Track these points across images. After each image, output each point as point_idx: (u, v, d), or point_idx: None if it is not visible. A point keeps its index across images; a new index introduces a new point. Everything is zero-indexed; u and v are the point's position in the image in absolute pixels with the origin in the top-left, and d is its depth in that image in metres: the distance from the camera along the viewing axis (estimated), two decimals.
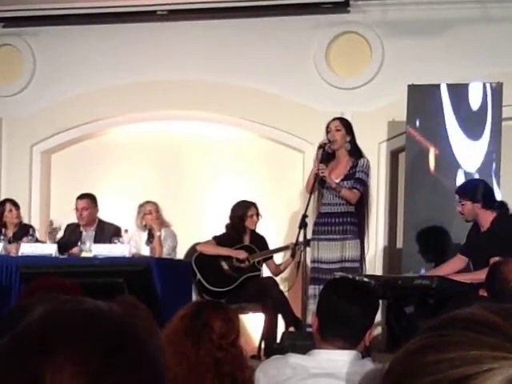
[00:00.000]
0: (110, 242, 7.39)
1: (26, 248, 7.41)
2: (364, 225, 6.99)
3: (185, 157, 9.11)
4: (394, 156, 8.60)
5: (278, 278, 7.86)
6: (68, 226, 8.11)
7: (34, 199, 9.35)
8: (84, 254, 7.47)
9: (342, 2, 8.53)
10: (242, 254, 7.73)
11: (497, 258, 5.48)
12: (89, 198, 8.00)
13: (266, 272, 7.93)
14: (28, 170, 9.39)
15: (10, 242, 7.77)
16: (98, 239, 7.78)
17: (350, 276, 5.88)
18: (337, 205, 6.91)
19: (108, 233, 7.82)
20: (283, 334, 6.95)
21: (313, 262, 6.97)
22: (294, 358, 2.84)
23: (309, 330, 5.95)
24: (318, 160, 6.90)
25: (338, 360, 2.79)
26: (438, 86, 7.79)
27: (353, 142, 7.02)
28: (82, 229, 8.01)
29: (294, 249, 7.26)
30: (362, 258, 6.93)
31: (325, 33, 8.68)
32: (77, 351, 1.01)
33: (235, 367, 2.84)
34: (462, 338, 0.80)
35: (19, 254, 7.37)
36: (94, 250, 7.29)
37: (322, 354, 2.84)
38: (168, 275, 6.92)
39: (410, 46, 8.42)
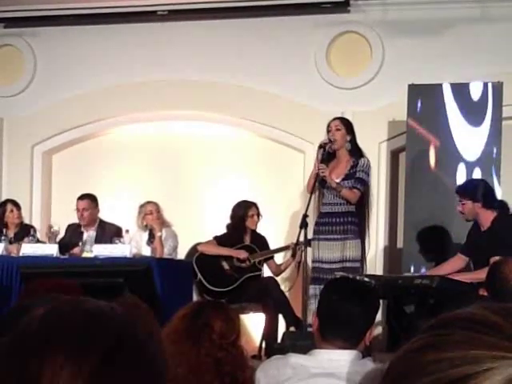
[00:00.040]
0: (111, 242, 7.39)
1: (27, 248, 7.41)
2: (365, 224, 6.99)
3: (185, 157, 9.11)
4: (394, 156, 8.60)
5: (278, 278, 7.85)
6: (69, 226, 8.12)
7: (35, 199, 9.36)
8: (85, 255, 7.47)
9: (342, 1, 8.53)
10: (243, 254, 7.73)
11: (497, 258, 5.48)
12: (89, 199, 8.00)
13: (266, 272, 7.93)
14: (29, 171, 9.39)
15: (11, 243, 7.78)
16: (98, 239, 7.78)
17: (351, 276, 5.88)
18: (337, 204, 6.91)
19: (109, 233, 7.82)
20: (284, 333, 6.95)
21: (313, 261, 6.97)
22: (295, 358, 2.84)
23: (309, 329, 5.95)
24: (318, 160, 6.90)
25: (338, 360, 2.79)
26: (439, 85, 7.79)
27: (353, 141, 7.02)
28: (82, 229, 8.01)
29: (295, 249, 7.26)
30: (362, 258, 6.93)
31: (325, 33, 8.68)
32: (77, 351, 1.01)
33: (236, 367, 2.84)
34: (462, 337, 0.80)
35: (20, 254, 7.37)
36: (94, 250, 7.29)
37: (323, 353, 2.84)
38: (169, 275, 6.92)
39: (410, 46, 8.42)
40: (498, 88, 7.58)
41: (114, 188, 9.09)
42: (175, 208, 8.38)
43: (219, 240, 7.82)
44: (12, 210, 8.24)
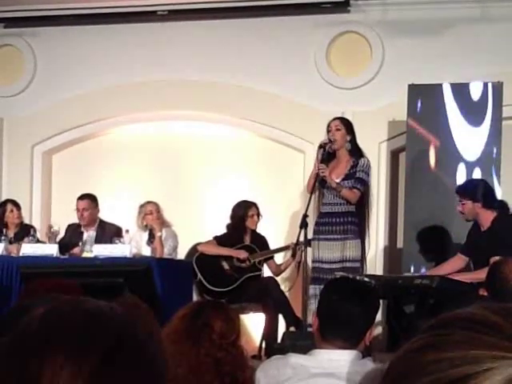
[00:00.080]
0: (111, 242, 7.39)
1: (27, 248, 7.41)
2: (365, 224, 6.99)
3: (185, 157, 9.11)
4: (394, 156, 8.60)
5: (278, 278, 7.85)
6: (69, 226, 8.12)
7: (35, 199, 9.36)
8: (85, 255, 7.47)
9: (342, 1, 8.53)
10: (243, 254, 7.73)
11: (497, 258, 5.48)
12: (89, 199, 7.99)
13: (266, 272, 7.93)
14: (29, 171, 9.39)
15: (11, 243, 7.78)
16: (98, 239, 7.78)
17: (351, 276, 5.88)
18: (337, 204, 6.91)
19: (109, 233, 7.82)
20: (284, 333, 6.95)
21: (314, 261, 6.97)
22: (295, 358, 2.84)
23: (309, 329, 5.95)
24: (318, 160, 6.90)
25: (338, 360, 2.79)
26: (439, 85, 7.79)
27: (353, 141, 7.02)
28: (82, 229, 8.01)
29: (295, 249, 7.25)
30: (362, 258, 6.93)
31: (325, 33, 8.68)
32: (77, 351, 1.01)
33: (236, 367, 2.84)
34: (462, 337, 0.80)
35: (20, 254, 7.37)
36: (94, 250, 7.29)
37: (323, 353, 2.84)
38: (169, 275, 6.92)
39: (410, 46, 8.42)
40: (498, 88, 7.58)
41: (113, 188, 9.09)
42: (175, 208, 8.38)
43: (219, 240, 7.82)
44: (12, 210, 8.24)
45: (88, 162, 9.29)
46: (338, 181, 6.88)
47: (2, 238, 7.73)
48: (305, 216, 6.85)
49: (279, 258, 8.14)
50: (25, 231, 7.93)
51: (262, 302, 7.44)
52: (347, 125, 7.04)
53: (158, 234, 7.85)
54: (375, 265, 8.12)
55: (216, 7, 8.81)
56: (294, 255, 7.42)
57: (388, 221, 8.53)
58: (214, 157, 9.07)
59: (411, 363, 0.81)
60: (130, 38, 9.13)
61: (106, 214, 8.20)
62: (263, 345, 7.42)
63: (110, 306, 1.09)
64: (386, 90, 8.39)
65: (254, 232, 7.90)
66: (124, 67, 9.13)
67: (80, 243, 7.77)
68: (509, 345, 0.78)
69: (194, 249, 8.02)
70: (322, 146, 6.93)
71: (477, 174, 7.58)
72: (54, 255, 7.33)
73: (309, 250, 6.94)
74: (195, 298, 7.47)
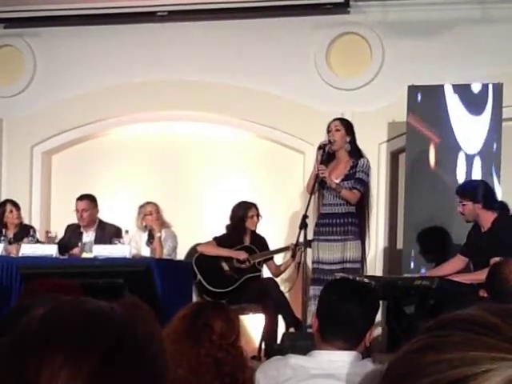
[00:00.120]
0: (111, 242, 7.39)
1: (27, 249, 7.41)
2: (365, 225, 6.99)
3: (185, 157, 9.11)
4: (394, 157, 8.60)
5: (278, 279, 7.85)
6: (68, 226, 8.11)
7: (35, 200, 9.35)
8: (84, 255, 7.47)
9: (342, 2, 8.53)
10: (243, 255, 7.73)
11: (497, 259, 5.48)
12: (88, 199, 7.99)
13: (266, 273, 7.93)
14: (28, 171, 9.39)
15: (10, 243, 7.77)
16: (98, 240, 7.78)
17: (351, 277, 5.89)
18: (337, 205, 6.91)
19: (108, 233, 7.82)
20: (283, 334, 6.95)
21: (314, 262, 6.97)
22: (295, 359, 2.84)
23: (309, 330, 5.95)
24: (318, 161, 6.90)
25: (338, 361, 2.79)
26: (439, 86, 7.79)
27: (353, 142, 7.02)
28: (82, 230, 8.01)
29: (295, 249, 7.25)
30: (362, 259, 6.92)
31: (325, 33, 8.68)
32: (77, 351, 1.01)
33: (235, 368, 2.84)
34: (462, 338, 0.80)
35: (20, 254, 7.37)
36: (94, 250, 7.29)
37: (323, 354, 2.83)
38: (168, 276, 6.92)
39: (410, 47, 8.42)
40: (498, 89, 7.58)
41: (113, 188, 9.09)
42: (175, 208, 8.38)
43: (219, 241, 7.82)
44: (11, 211, 8.24)
45: (88, 162, 9.29)
46: (337, 181, 6.88)
47: (2, 238, 7.73)
48: (304, 217, 6.84)
49: (279, 259, 8.14)
50: (24, 232, 7.93)
51: (261, 303, 7.44)
52: (347, 126, 7.04)
53: (158, 234, 7.85)
54: (375, 266, 8.12)
55: (216, 8, 8.81)
56: (293, 256, 7.41)
57: (388, 222, 8.53)
58: (213, 157, 9.07)
59: (410, 364, 0.81)
60: (130, 38, 9.13)
61: (105, 214, 8.20)
62: (263, 345, 7.42)
63: (110, 306, 1.09)
64: (385, 91, 8.39)
65: (253, 233, 7.90)
66: (124, 67, 9.13)
67: (79, 244, 7.77)
68: (508, 346, 0.78)
69: (193, 249, 8.02)
70: (321, 147, 6.93)
71: (477, 167, 7.57)
72: (54, 256, 7.33)
73: (309, 250, 6.94)
74: (195, 298, 7.47)
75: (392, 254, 8.47)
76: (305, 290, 6.82)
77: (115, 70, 9.13)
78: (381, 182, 8.47)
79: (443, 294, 5.89)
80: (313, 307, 6.42)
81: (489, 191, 6.66)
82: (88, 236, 7.95)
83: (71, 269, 6.71)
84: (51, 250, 7.39)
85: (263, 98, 8.77)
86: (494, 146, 7.57)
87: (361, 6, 8.61)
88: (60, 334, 1.03)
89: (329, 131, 6.98)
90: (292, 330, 7.33)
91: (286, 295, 7.56)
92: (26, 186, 9.35)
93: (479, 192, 6.52)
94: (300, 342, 5.87)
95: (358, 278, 6.09)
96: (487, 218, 6.48)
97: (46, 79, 9.36)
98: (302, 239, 6.86)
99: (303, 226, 6.83)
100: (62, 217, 8.47)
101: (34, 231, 7.96)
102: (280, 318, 7.46)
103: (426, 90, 7.83)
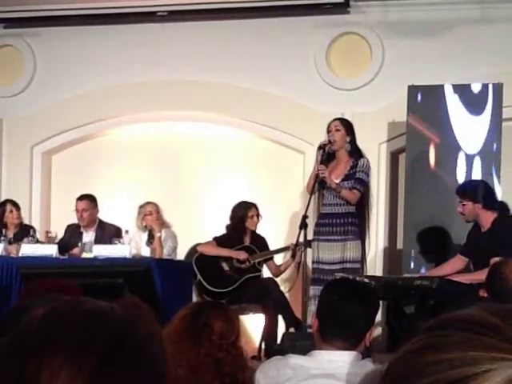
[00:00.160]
0: (111, 242, 7.39)
1: (27, 249, 7.40)
2: (365, 225, 6.99)
3: (185, 157, 9.11)
4: (394, 157, 8.60)
5: (278, 279, 7.85)
6: (68, 226, 8.11)
7: (35, 200, 9.35)
8: (84, 255, 7.47)
9: (342, 2, 8.53)
10: (243, 255, 7.73)
11: (497, 259, 5.48)
12: (88, 199, 7.99)
13: (266, 273, 7.93)
14: (28, 171, 9.39)
15: (10, 243, 7.77)
16: (98, 240, 7.78)
17: (351, 277, 5.89)
18: (337, 205, 6.91)
19: (108, 233, 7.82)
20: (283, 334, 6.95)
21: (314, 262, 6.97)
22: (295, 359, 2.84)
23: (309, 330, 5.95)
24: (318, 161, 6.90)
25: (338, 361, 2.79)
26: (439, 86, 7.79)
27: (353, 142, 7.02)
28: (82, 230, 8.01)
29: (295, 249, 7.25)
30: (362, 259, 6.92)
31: (325, 33, 8.68)
32: (77, 351, 1.01)
33: (235, 368, 2.84)
34: (462, 338, 0.80)
35: (20, 254, 7.37)
36: (94, 250, 7.29)
37: (323, 354, 2.83)
38: (168, 276, 6.92)
39: (410, 47, 8.42)
40: (498, 89, 7.58)
41: (113, 188, 9.08)
42: (175, 208, 8.38)
43: (219, 241, 7.82)
44: (11, 211, 8.24)
45: (88, 162, 9.29)
46: (337, 181, 6.88)
47: (2, 238, 7.73)
48: (304, 217, 6.84)
49: (279, 259, 8.14)
50: (24, 231, 7.93)
51: (261, 303, 7.44)
52: (347, 126, 7.04)
53: (158, 234, 7.85)
54: (375, 266, 8.12)
55: (216, 8, 8.81)
56: (293, 256, 7.41)
57: (388, 222, 8.53)
58: (214, 157, 9.07)
59: (410, 364, 0.81)
60: (130, 38, 9.13)
61: (105, 214, 8.20)
62: (263, 345, 7.42)
63: (110, 306, 1.09)
64: (385, 91, 8.39)
65: (253, 233, 7.90)
66: (124, 67, 9.13)
67: (79, 244, 7.77)
68: (508, 346, 0.78)
69: (193, 249, 8.02)
70: (321, 147, 6.93)
71: (477, 167, 7.57)
72: (54, 256, 7.33)
73: (309, 250, 6.94)
74: (195, 298, 7.47)
75: (392, 254, 8.47)
76: (305, 289, 6.82)
77: (115, 70, 9.13)
78: (381, 182, 8.47)
79: (443, 294, 5.89)
80: (313, 307, 6.42)
81: (489, 191, 6.66)
82: (88, 236, 7.95)
83: (71, 269, 6.70)
84: (51, 250, 7.39)
85: (263, 98, 8.77)
86: (494, 146, 7.57)
87: (361, 6, 8.61)
88: (60, 333, 1.03)
89: (329, 131, 6.98)
90: (292, 330, 7.33)
91: (286, 295, 7.56)
92: (26, 185, 9.35)
93: (479, 192, 6.52)
94: (300, 342, 5.87)
95: (358, 278, 6.09)
96: (487, 218, 6.48)
97: (46, 79, 9.36)
98: (301, 239, 6.86)
99: (303, 225, 6.83)
100: (62, 217, 8.47)
101: (34, 231, 7.96)
102: (280, 317, 7.46)
103: (425, 89, 7.83)
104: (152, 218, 7.92)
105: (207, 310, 2.93)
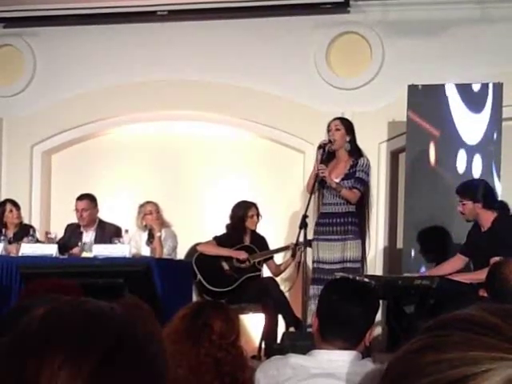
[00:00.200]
0: (111, 242, 7.39)
1: (27, 248, 7.40)
2: (365, 225, 6.99)
3: (185, 157, 9.11)
4: (394, 156, 8.60)
5: (278, 279, 7.85)
6: (68, 226, 8.11)
7: (35, 199, 9.35)
8: (84, 255, 7.47)
9: (342, 2, 8.53)
10: (243, 255, 7.73)
11: (497, 258, 5.48)
12: (88, 199, 7.99)
13: (266, 272, 7.93)
14: (28, 171, 9.39)
15: (10, 243, 7.77)
16: (98, 239, 7.78)
17: (351, 276, 5.89)
18: (338, 205, 6.91)
19: (108, 233, 7.82)
20: (283, 334, 6.95)
21: (314, 262, 6.97)
22: (295, 359, 2.84)
23: (309, 330, 5.95)
24: (317, 160, 6.90)
25: (338, 360, 2.79)
26: (439, 86, 7.79)
27: (353, 141, 7.01)
28: (82, 229, 8.01)
29: (295, 249, 7.25)
30: (363, 259, 6.92)
31: (325, 33, 8.68)
32: (76, 351, 1.01)
33: (235, 367, 2.84)
34: (461, 338, 0.80)
35: (19, 254, 7.37)
36: (94, 250, 7.29)
37: (323, 354, 2.84)
38: (168, 275, 6.92)
39: (410, 47, 8.42)
40: (498, 88, 7.58)
41: (113, 188, 9.09)
42: (175, 208, 8.38)
43: (219, 240, 7.82)
44: (11, 210, 8.23)
45: (87, 161, 9.29)
46: (337, 181, 6.88)
47: (2, 237, 7.72)
48: (304, 216, 6.84)
49: (279, 259, 8.14)
50: (24, 231, 7.93)
51: (261, 303, 7.44)
52: (347, 125, 7.03)
53: (158, 234, 7.85)
54: (375, 265, 8.12)
55: (216, 7, 8.81)
56: (293, 255, 7.42)
57: (388, 221, 8.53)
58: (214, 157, 9.07)
59: (410, 364, 0.81)
60: (130, 38, 9.13)
61: (105, 214, 8.20)
62: (263, 345, 7.42)
63: (110, 306, 1.09)
64: (385, 91, 8.39)
65: (253, 232, 7.90)
66: (124, 67, 9.13)
67: (79, 243, 7.77)
68: (508, 346, 0.78)
69: (193, 249, 8.02)
70: (321, 147, 6.93)
71: (477, 161, 7.56)
72: (54, 255, 7.33)
73: (309, 250, 6.94)
74: (195, 298, 7.47)
75: (392, 254, 8.47)
76: (305, 289, 6.82)
77: (115, 69, 9.13)
78: (381, 181, 8.47)
79: (443, 293, 5.89)
80: (313, 307, 6.42)
81: (489, 190, 6.66)
82: (88, 236, 7.94)
83: (71, 268, 6.70)
84: (51, 250, 7.39)
85: (263, 98, 8.77)
86: (494, 146, 7.57)
87: (361, 6, 8.61)
88: (60, 334, 1.03)
89: (329, 130, 6.98)
90: (292, 329, 7.33)
91: (286, 295, 7.56)
92: (26, 185, 9.35)
93: (479, 191, 6.52)
94: (300, 342, 5.87)
95: (358, 278, 6.09)
96: (487, 218, 6.48)
97: (46, 79, 9.36)
98: (301, 239, 6.86)
99: (303, 225, 6.83)
100: (62, 216, 8.47)
101: (34, 231, 7.96)
102: (280, 317, 7.46)
103: (426, 89, 7.83)
104: (152, 217, 7.92)
105: (207, 309, 2.93)
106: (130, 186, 9.06)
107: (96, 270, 6.78)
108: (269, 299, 7.40)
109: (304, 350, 2.95)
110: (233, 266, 7.74)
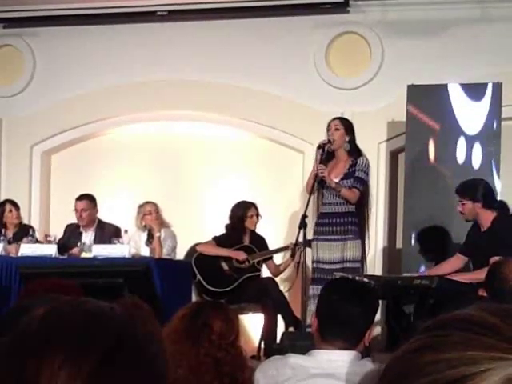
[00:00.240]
0: (110, 242, 7.39)
1: (26, 248, 7.40)
2: (365, 225, 6.99)
3: (185, 157, 9.11)
4: (393, 156, 8.60)
5: (277, 279, 7.85)
6: (68, 226, 8.11)
7: (34, 200, 9.35)
8: (84, 255, 7.47)
9: (341, 2, 8.53)
10: (242, 255, 7.72)
11: (497, 258, 5.48)
12: (88, 199, 7.99)
13: (265, 272, 7.93)
14: (28, 171, 9.39)
15: (9, 243, 7.77)
16: (97, 240, 7.78)
17: (350, 276, 5.89)
18: (337, 204, 6.91)
19: (108, 233, 7.82)
20: (283, 334, 6.95)
21: (314, 262, 6.96)
22: (294, 359, 2.84)
23: (308, 330, 5.95)
24: (317, 160, 6.90)
25: (337, 360, 2.79)
26: (438, 86, 7.79)
27: (352, 141, 7.01)
28: (81, 229, 8.01)
29: (294, 249, 7.26)
30: (362, 258, 6.92)
31: (325, 33, 8.68)
32: (76, 351, 1.01)
33: (235, 367, 2.84)
34: (460, 338, 0.80)
35: (19, 254, 7.37)
36: (93, 250, 7.29)
37: (322, 354, 2.84)
38: (168, 276, 6.92)
39: (409, 46, 8.42)
40: (498, 88, 7.58)
41: (113, 188, 9.08)
42: (175, 208, 8.38)
43: (218, 240, 7.82)
44: (11, 210, 8.23)
45: (87, 161, 9.29)
46: (337, 180, 6.88)
47: (1, 238, 7.73)
48: (304, 216, 6.84)
49: (278, 259, 8.14)
50: (24, 231, 7.93)
51: (261, 303, 7.44)
52: (347, 125, 7.03)
53: (157, 234, 7.85)
54: (374, 265, 8.12)
55: (216, 7, 8.81)
56: (293, 256, 7.42)
57: (387, 221, 8.53)
58: (213, 157, 9.07)
59: (409, 364, 0.81)
60: (130, 38, 9.13)
61: (105, 214, 8.20)
62: (262, 345, 7.42)
63: (110, 306, 1.09)
64: (385, 91, 8.39)
65: (253, 232, 7.90)
66: (124, 67, 9.13)
67: (79, 243, 7.77)
68: (507, 346, 0.78)
69: (193, 249, 8.02)
70: (320, 147, 6.93)
71: (477, 149, 7.56)
72: (53, 255, 7.33)
73: (308, 250, 6.94)
74: (194, 298, 7.47)
75: (391, 254, 8.47)
76: (304, 289, 6.82)
77: (115, 69, 9.13)
78: (380, 181, 8.47)
79: (443, 293, 5.89)
80: (312, 307, 6.42)
81: (488, 190, 6.66)
82: (87, 236, 7.94)
83: (71, 269, 6.70)
84: (50, 250, 7.38)
85: (263, 98, 8.77)
86: (494, 147, 7.57)
87: (360, 6, 8.61)
88: (60, 334, 1.03)
89: (328, 130, 6.98)
90: (291, 329, 7.33)
91: (286, 295, 7.57)
92: (26, 185, 9.35)
93: (479, 191, 6.52)
94: (299, 342, 5.87)
95: (357, 278, 6.09)
96: (487, 218, 6.48)
97: (46, 79, 9.36)
98: (301, 239, 6.86)
99: (303, 225, 6.83)
100: (62, 217, 8.47)
101: (34, 231, 7.96)
102: (279, 317, 7.46)
103: (425, 89, 7.83)
104: (151, 217, 7.92)
105: (206, 309, 2.93)
106: (129, 186, 9.06)
107: (96, 270, 6.78)
108: (268, 299, 7.40)
109: (303, 350, 2.95)
110: (232, 266, 7.74)
